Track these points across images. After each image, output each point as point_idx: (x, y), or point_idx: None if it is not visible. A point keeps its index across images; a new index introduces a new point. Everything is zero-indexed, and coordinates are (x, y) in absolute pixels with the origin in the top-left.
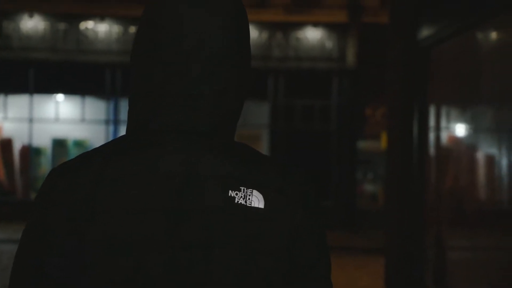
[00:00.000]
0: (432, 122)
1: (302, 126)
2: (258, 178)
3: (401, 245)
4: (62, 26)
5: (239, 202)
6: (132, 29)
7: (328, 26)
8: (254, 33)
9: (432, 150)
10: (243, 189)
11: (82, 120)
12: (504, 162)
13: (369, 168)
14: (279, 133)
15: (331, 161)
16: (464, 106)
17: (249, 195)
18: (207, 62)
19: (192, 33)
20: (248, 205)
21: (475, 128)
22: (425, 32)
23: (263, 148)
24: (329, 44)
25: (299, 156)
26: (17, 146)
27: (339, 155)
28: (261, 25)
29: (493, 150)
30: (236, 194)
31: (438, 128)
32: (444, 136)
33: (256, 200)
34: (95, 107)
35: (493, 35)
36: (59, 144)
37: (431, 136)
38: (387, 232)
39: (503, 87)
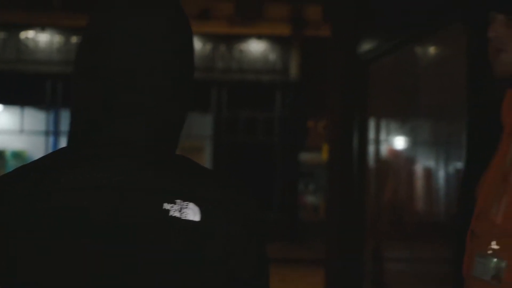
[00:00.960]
0: (372, 134)
1: (245, 138)
2: (195, 191)
3: (341, 257)
4: (1, 35)
5: (173, 215)
6: (74, 39)
7: (272, 39)
8: (197, 44)
9: (372, 162)
10: (179, 202)
11: (21, 131)
12: (441, 174)
13: (311, 180)
14: (222, 144)
15: (274, 173)
16: (403, 119)
17: (185, 208)
18: (147, 75)
19: (131, 46)
20: (183, 218)
21: (414, 141)
22: (365, 46)
23: (206, 159)
24: (273, 56)
25: (242, 168)
26: None
27: (282, 167)
28: (205, 36)
29: (431, 163)
30: (171, 207)
31: (377, 141)
32: (384, 148)
33: (192, 213)
34: (35, 118)
35: (432, 50)
36: None
37: (371, 148)
38: (327, 244)
39: (440, 101)
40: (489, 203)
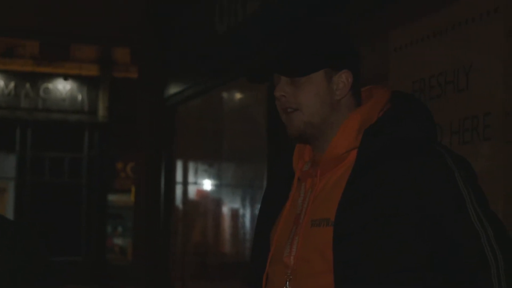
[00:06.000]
0: (180, 176)
1: (51, 179)
2: None
3: None
4: None
5: None
6: None
7: (79, 79)
8: (0, 82)
9: (179, 204)
10: None
11: None
12: (247, 216)
13: (119, 222)
14: (26, 186)
15: (81, 215)
16: (209, 162)
17: None
18: None
19: None
20: None
21: (220, 183)
22: (172, 90)
23: (9, 201)
24: (80, 96)
25: (48, 210)
26: None
27: (89, 208)
28: (8, 74)
29: (237, 205)
30: None
31: (185, 183)
32: (192, 190)
33: None
34: None
35: (236, 95)
36: None
37: (179, 190)
38: (135, 287)
39: (244, 145)
40: (282, 245)
